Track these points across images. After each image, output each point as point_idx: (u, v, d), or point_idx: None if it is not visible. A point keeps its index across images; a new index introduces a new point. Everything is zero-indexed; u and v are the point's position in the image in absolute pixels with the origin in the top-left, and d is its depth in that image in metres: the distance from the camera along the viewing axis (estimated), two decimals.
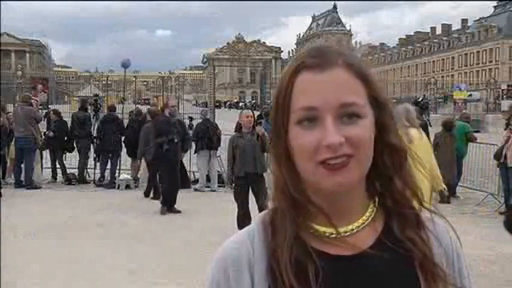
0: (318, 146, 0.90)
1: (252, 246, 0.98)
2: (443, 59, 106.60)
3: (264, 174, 8.09)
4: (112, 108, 14.19)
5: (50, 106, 27.44)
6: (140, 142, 11.02)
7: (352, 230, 0.97)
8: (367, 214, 0.99)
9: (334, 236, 0.96)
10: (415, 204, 1.01)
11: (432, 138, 11.08)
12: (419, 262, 0.97)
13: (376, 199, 1.01)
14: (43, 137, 12.82)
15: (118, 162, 12.97)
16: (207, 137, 12.29)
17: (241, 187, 7.70)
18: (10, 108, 16.41)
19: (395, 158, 0.98)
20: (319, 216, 0.97)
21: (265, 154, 8.10)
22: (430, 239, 1.00)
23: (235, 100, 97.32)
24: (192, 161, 12.98)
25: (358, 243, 0.97)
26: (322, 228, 0.97)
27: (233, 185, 7.94)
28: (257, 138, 7.64)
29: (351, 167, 0.91)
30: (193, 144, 12.33)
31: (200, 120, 13.38)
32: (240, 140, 7.73)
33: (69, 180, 12.81)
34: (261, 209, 7.46)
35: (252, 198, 7.65)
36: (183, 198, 9.94)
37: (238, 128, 8.10)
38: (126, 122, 14.36)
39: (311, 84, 0.92)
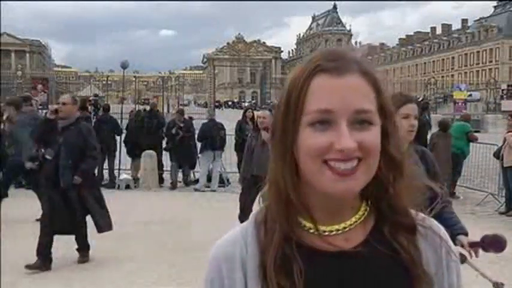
0: (329, 148, 0.90)
1: (245, 244, 0.99)
2: (443, 59, 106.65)
3: None
4: (107, 107, 14.24)
5: (49, 106, 27.40)
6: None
7: (345, 228, 0.98)
8: (360, 213, 1.00)
9: (326, 233, 0.97)
10: (411, 211, 1.00)
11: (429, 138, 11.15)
12: (407, 265, 0.97)
13: (369, 200, 1.01)
14: None
15: (114, 162, 12.93)
16: (210, 137, 12.29)
17: (246, 188, 7.59)
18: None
19: (391, 169, 0.98)
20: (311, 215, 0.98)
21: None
22: (419, 240, 1.00)
23: (235, 100, 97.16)
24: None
25: (348, 241, 0.98)
26: (313, 226, 0.98)
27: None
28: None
29: (359, 172, 0.91)
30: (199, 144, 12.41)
31: (206, 121, 13.35)
32: (254, 141, 7.50)
33: None
34: None
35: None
36: (183, 197, 9.94)
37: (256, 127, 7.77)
38: (125, 122, 14.39)
39: (328, 87, 0.91)
